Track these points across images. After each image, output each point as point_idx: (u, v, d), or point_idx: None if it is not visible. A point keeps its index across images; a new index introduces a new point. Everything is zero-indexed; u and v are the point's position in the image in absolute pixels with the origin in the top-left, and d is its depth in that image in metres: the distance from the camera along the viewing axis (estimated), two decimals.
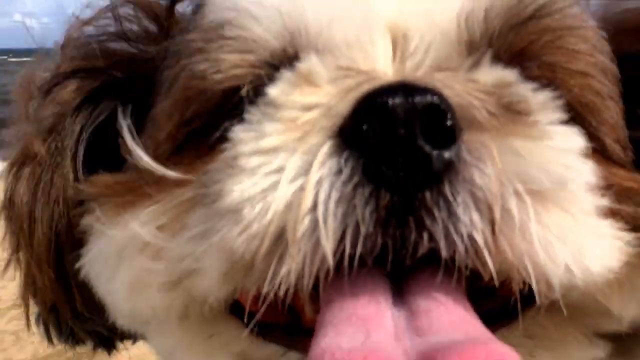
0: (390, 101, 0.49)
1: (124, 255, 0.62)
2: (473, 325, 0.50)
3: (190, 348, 0.65)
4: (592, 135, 0.59)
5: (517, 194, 0.49)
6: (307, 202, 0.49)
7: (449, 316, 0.49)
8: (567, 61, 0.59)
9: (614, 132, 0.61)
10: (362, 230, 0.48)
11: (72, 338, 0.78)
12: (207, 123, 0.61)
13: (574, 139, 0.55)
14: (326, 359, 0.45)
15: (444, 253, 0.49)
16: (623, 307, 0.58)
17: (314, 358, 0.46)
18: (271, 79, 0.58)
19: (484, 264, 0.49)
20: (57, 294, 0.73)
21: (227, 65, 0.59)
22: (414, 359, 0.45)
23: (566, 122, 0.57)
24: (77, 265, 0.68)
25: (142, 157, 0.61)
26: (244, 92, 0.59)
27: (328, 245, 0.48)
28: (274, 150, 0.52)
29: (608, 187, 0.55)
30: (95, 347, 0.79)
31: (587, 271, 0.52)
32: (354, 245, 0.49)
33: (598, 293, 0.55)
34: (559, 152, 0.52)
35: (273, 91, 0.56)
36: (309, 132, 0.52)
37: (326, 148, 0.51)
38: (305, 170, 0.50)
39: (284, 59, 0.59)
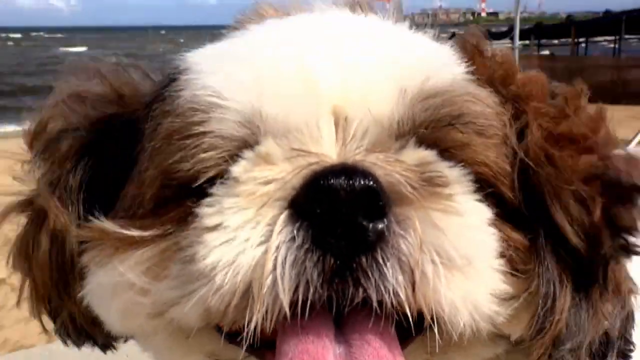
0: (334, 182, 0.62)
1: (116, 290, 0.75)
2: (395, 356, 0.67)
3: (172, 349, 0.80)
4: (495, 199, 0.75)
5: (433, 262, 0.64)
6: (269, 265, 0.62)
7: (378, 350, 0.66)
8: (473, 144, 0.75)
9: (512, 190, 0.76)
10: (312, 286, 0.63)
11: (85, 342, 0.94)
12: (182, 194, 0.73)
13: (481, 211, 0.71)
14: None
15: (375, 304, 0.64)
16: (511, 331, 0.77)
17: None
18: (234, 160, 0.70)
19: (405, 311, 0.65)
20: (63, 314, 0.88)
21: (196, 160, 0.71)
22: None
23: (475, 191, 0.73)
24: (80, 295, 0.82)
25: (110, 228, 0.76)
26: (209, 175, 0.71)
27: (285, 298, 0.63)
28: (238, 224, 0.65)
29: (506, 249, 0.72)
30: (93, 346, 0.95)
31: (484, 315, 0.71)
32: (305, 298, 0.63)
33: (493, 325, 0.74)
34: (469, 228, 0.68)
35: (235, 169, 0.69)
36: (266, 203, 0.65)
37: (283, 218, 0.64)
38: (267, 238, 0.63)
39: (246, 146, 0.71)
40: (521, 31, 13.29)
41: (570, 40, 26.24)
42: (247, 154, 0.70)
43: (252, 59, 0.75)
